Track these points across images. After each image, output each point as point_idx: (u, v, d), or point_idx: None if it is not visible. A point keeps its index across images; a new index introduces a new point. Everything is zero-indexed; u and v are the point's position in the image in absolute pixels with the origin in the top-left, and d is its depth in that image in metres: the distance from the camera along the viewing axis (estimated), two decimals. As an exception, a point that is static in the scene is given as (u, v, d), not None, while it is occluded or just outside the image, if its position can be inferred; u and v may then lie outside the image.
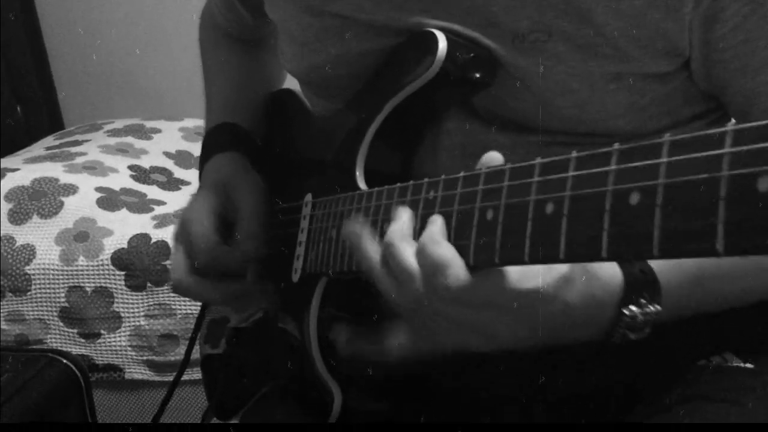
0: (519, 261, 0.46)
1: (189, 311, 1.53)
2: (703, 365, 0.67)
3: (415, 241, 0.54)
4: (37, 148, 2.04)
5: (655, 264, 0.57)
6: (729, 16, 0.58)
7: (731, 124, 0.32)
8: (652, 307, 0.56)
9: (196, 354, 1.00)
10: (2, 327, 1.57)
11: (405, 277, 0.53)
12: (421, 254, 0.52)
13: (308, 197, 0.78)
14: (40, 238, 1.59)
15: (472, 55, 0.65)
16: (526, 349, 0.57)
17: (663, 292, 0.56)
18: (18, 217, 1.62)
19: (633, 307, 0.55)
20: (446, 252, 0.51)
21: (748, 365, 0.67)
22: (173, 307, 1.54)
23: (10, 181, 1.69)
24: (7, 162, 1.86)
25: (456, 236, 0.52)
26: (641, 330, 0.56)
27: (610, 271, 0.55)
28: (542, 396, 0.71)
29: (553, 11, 0.61)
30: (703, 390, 0.64)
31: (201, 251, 0.82)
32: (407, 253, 0.53)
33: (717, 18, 0.59)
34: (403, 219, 0.56)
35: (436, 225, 0.53)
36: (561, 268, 0.52)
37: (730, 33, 0.59)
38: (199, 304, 1.02)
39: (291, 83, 0.94)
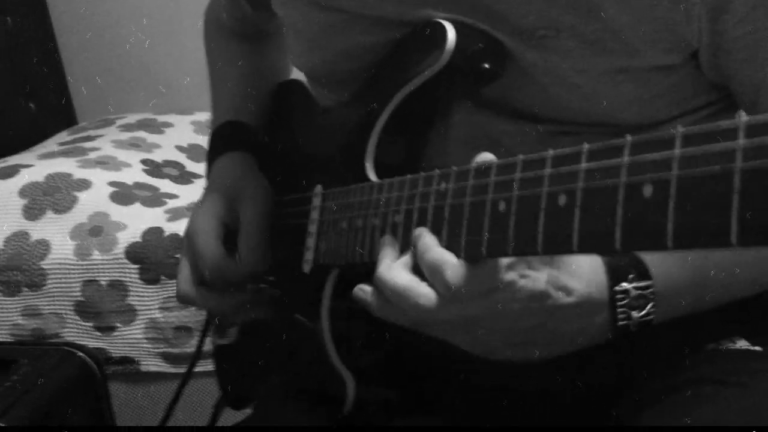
0: (533, 252, 0.46)
1: (199, 304, 1.53)
2: (712, 348, 0.67)
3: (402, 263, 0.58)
4: (51, 144, 2.05)
5: (651, 260, 0.58)
6: (737, 6, 0.58)
7: (744, 117, 0.32)
8: (643, 282, 0.57)
9: (209, 345, 1.00)
10: (19, 321, 1.59)
11: (403, 297, 0.56)
12: (420, 263, 0.56)
13: (318, 189, 0.78)
14: (55, 233, 1.60)
15: (481, 45, 0.65)
16: (540, 358, 0.59)
17: (651, 266, 0.57)
18: (33, 212, 1.63)
19: (624, 284, 0.57)
20: (437, 254, 0.54)
21: (757, 348, 0.67)
22: (187, 299, 1.55)
23: (25, 177, 1.69)
24: (21, 158, 1.87)
25: (468, 228, 0.52)
26: (643, 308, 0.57)
27: (589, 266, 0.57)
28: (553, 380, 0.71)
29: (561, 7, 0.61)
30: (712, 373, 0.64)
31: (206, 265, 0.82)
32: (395, 274, 0.57)
33: (725, 9, 0.59)
34: (386, 258, 0.59)
35: (425, 236, 0.56)
36: (539, 285, 0.54)
37: (738, 24, 0.59)
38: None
39: (296, 77, 0.94)
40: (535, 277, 0.54)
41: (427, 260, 0.55)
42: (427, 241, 0.56)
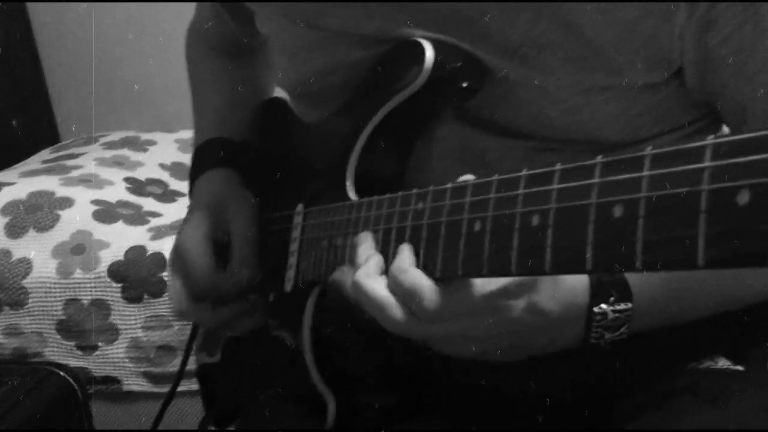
0: (506, 273, 0.46)
1: (186, 322, 1.52)
2: (692, 368, 0.67)
3: (383, 275, 0.58)
4: (33, 162, 2.04)
5: (634, 278, 0.57)
6: (723, 24, 0.58)
7: (711, 138, 0.33)
8: (622, 304, 0.57)
9: (192, 365, 1.00)
10: (0, 341, 1.57)
11: (378, 309, 0.56)
12: (393, 283, 0.56)
13: (300, 207, 0.79)
14: (37, 251, 1.59)
15: (459, 63, 0.65)
16: (511, 360, 0.58)
17: (633, 287, 0.57)
18: (14, 230, 1.62)
19: (603, 305, 0.56)
20: (414, 278, 0.54)
21: (739, 368, 0.67)
22: (170, 318, 1.54)
23: (7, 195, 1.68)
24: (3, 176, 1.86)
25: (444, 247, 0.52)
26: (617, 329, 0.57)
27: (570, 286, 0.56)
28: (534, 392, 0.71)
29: (543, 25, 0.61)
30: (696, 392, 0.64)
31: (197, 280, 0.83)
32: (375, 286, 0.57)
33: (711, 27, 0.59)
34: (370, 263, 0.59)
35: (403, 254, 0.56)
36: (515, 314, 0.54)
37: (724, 41, 0.59)
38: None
39: (279, 95, 0.94)
40: (513, 306, 0.54)
41: (401, 282, 0.55)
42: (404, 259, 0.56)
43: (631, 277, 0.57)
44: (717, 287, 0.62)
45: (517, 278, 0.53)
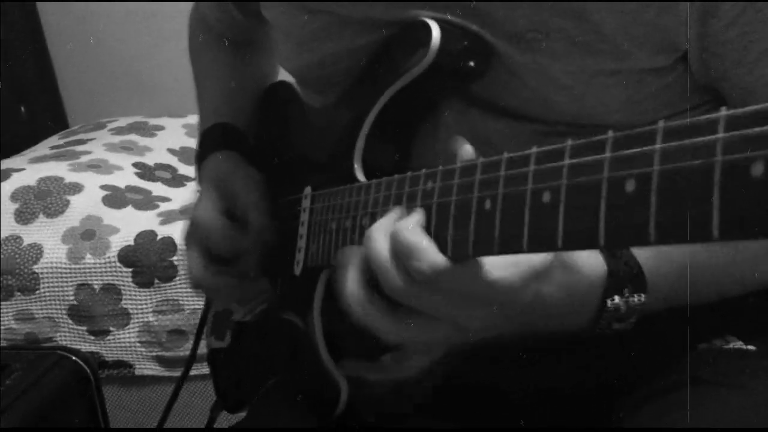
0: (518, 250, 0.46)
1: (197, 306, 1.53)
2: (704, 348, 0.67)
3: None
4: (42, 148, 2.05)
5: (641, 253, 0.57)
6: (725, 10, 0.58)
7: (724, 110, 0.32)
8: (636, 298, 0.56)
9: (204, 349, 1.00)
10: (12, 326, 1.58)
11: (378, 264, 0.54)
12: (394, 239, 0.53)
13: (308, 190, 0.79)
14: (47, 237, 1.60)
15: (465, 43, 0.65)
16: (508, 335, 0.58)
17: (649, 281, 0.56)
18: (24, 216, 1.63)
19: (617, 299, 0.56)
20: (419, 238, 0.52)
21: (751, 347, 0.67)
22: (181, 302, 1.55)
23: (16, 181, 1.69)
24: (12, 162, 1.87)
25: (455, 227, 0.52)
26: (626, 319, 0.57)
27: (591, 263, 0.56)
28: (534, 390, 0.71)
29: (550, 10, 0.61)
30: (703, 374, 0.64)
31: (215, 236, 0.84)
32: (380, 242, 0.54)
33: (713, 13, 0.59)
34: (389, 215, 0.57)
35: (414, 216, 0.54)
36: (535, 261, 0.52)
37: (726, 27, 0.59)
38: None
39: (284, 78, 0.94)
40: (516, 299, 0.53)
41: (405, 239, 0.52)
42: (415, 218, 0.54)
43: (645, 268, 0.57)
44: (731, 271, 0.61)
45: (524, 270, 0.52)
